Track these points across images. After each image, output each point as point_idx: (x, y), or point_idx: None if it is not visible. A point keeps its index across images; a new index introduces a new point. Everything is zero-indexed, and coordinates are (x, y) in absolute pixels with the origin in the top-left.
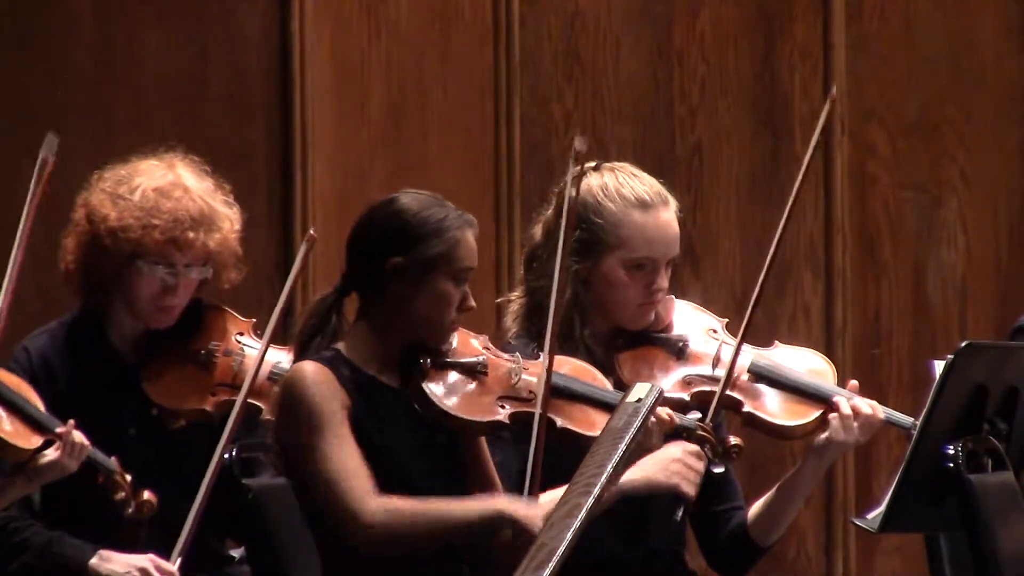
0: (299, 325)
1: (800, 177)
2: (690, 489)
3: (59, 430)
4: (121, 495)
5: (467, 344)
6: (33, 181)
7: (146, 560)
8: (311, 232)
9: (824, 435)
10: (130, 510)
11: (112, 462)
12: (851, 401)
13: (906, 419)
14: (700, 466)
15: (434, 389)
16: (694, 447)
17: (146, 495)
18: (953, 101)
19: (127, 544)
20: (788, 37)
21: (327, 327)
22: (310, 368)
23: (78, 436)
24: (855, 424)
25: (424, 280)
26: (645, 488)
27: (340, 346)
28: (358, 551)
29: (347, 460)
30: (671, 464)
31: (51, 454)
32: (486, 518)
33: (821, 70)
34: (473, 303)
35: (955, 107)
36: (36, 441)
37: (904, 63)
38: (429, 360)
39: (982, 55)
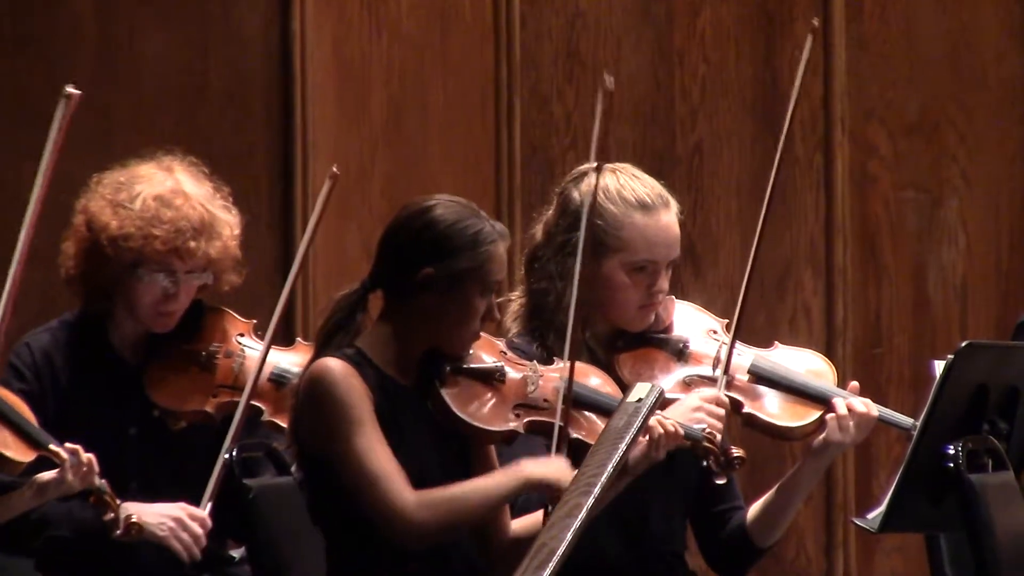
0: (324, 319)
1: (784, 132)
2: (717, 432)
3: (54, 447)
4: (110, 516)
5: (485, 348)
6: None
7: (177, 509)
8: (334, 169)
9: (822, 436)
10: (118, 531)
11: (103, 484)
12: (847, 400)
13: (905, 419)
14: (722, 411)
15: (452, 396)
16: (711, 391)
17: (134, 518)
18: (953, 101)
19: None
20: (788, 37)
21: (351, 324)
22: (336, 365)
23: (86, 458)
24: (851, 424)
25: (454, 292)
26: None
27: (361, 344)
28: (394, 549)
29: (384, 459)
30: (693, 413)
31: (53, 473)
32: (519, 488)
33: (821, 70)
34: (498, 314)
35: (955, 107)
36: (31, 455)
37: (904, 63)
38: (449, 367)
39: (982, 55)
